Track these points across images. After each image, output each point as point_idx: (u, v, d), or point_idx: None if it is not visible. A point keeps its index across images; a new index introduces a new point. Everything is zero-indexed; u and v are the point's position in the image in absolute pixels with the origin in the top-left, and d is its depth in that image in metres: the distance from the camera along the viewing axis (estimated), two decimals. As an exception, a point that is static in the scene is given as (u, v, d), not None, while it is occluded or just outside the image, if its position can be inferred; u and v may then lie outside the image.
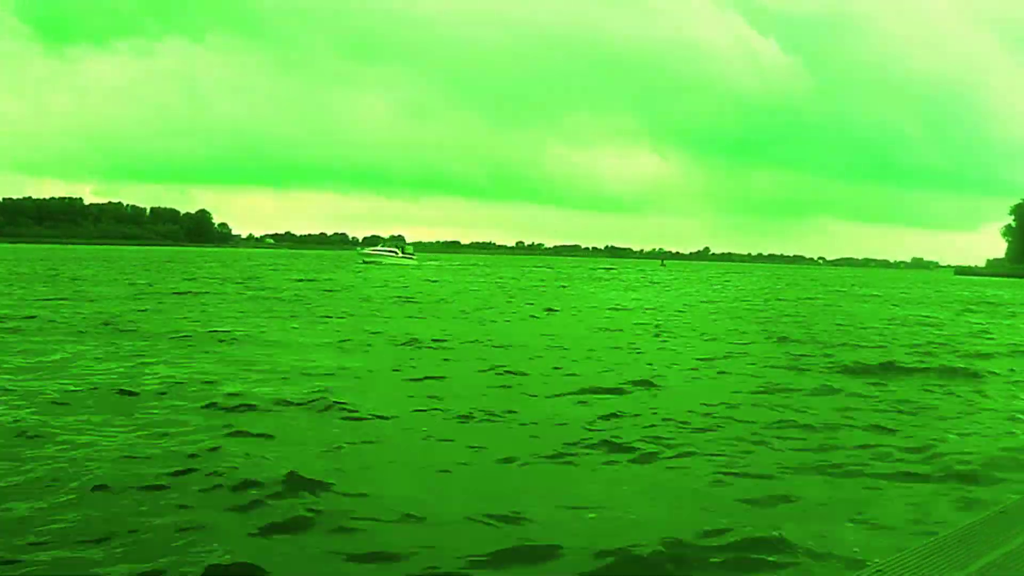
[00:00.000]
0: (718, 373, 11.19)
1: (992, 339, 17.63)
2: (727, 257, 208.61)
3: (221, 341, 12.79)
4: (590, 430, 7.25)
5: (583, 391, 9.20)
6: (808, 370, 11.66)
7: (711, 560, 4.47)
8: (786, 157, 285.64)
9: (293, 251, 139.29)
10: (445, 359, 11.82)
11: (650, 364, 11.84)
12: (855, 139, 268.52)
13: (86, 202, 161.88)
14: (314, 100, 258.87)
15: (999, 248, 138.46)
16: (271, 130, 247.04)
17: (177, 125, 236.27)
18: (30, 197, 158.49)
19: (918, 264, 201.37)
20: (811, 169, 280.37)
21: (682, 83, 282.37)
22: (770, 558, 4.47)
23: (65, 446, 6.19)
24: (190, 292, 24.85)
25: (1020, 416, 8.76)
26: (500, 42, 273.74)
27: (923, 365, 12.40)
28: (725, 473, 6.04)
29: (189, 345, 12.22)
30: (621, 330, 17.00)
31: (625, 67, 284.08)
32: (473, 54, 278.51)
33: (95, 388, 8.55)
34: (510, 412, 7.93)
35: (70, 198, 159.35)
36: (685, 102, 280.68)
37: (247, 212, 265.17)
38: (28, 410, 7.40)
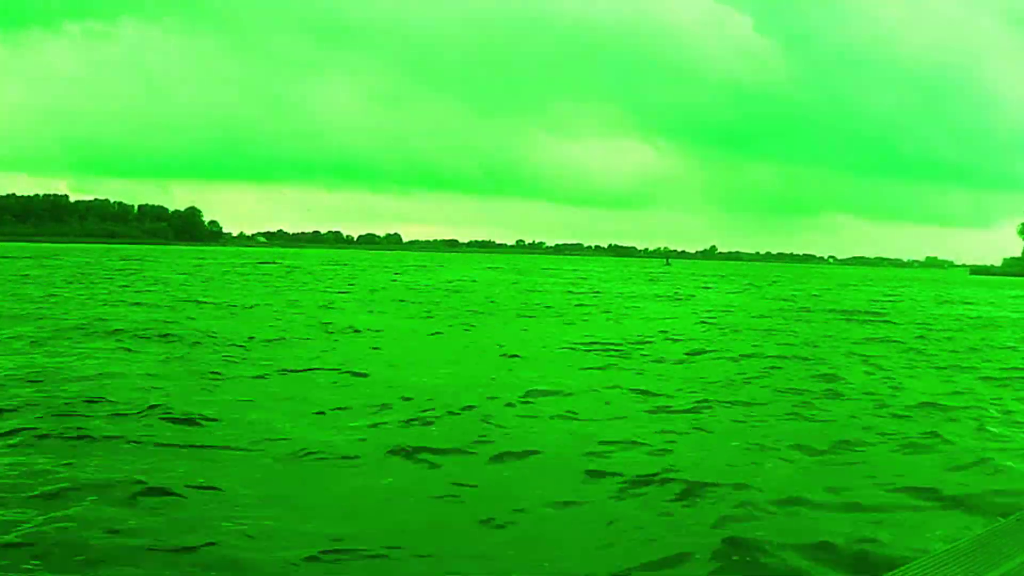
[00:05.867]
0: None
1: None
2: (735, 256, 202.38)
3: None
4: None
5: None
6: None
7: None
8: (787, 150, 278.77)
9: (285, 250, 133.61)
10: None
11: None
12: (856, 130, 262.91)
13: (71, 199, 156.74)
14: (286, 88, 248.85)
15: (1015, 246, 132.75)
16: (247, 122, 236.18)
17: (147, 116, 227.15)
18: (13, 195, 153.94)
19: (932, 263, 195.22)
20: (815, 163, 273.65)
21: (662, 68, 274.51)
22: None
23: None
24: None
25: None
26: (464, 26, 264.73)
27: None
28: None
29: None
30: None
31: (601, 51, 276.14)
32: (439, 39, 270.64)
33: None
34: None
35: (54, 195, 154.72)
36: (669, 89, 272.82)
37: (233, 209, 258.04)
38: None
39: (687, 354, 13.15)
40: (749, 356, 13.11)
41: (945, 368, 12.61)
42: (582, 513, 5.14)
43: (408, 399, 8.38)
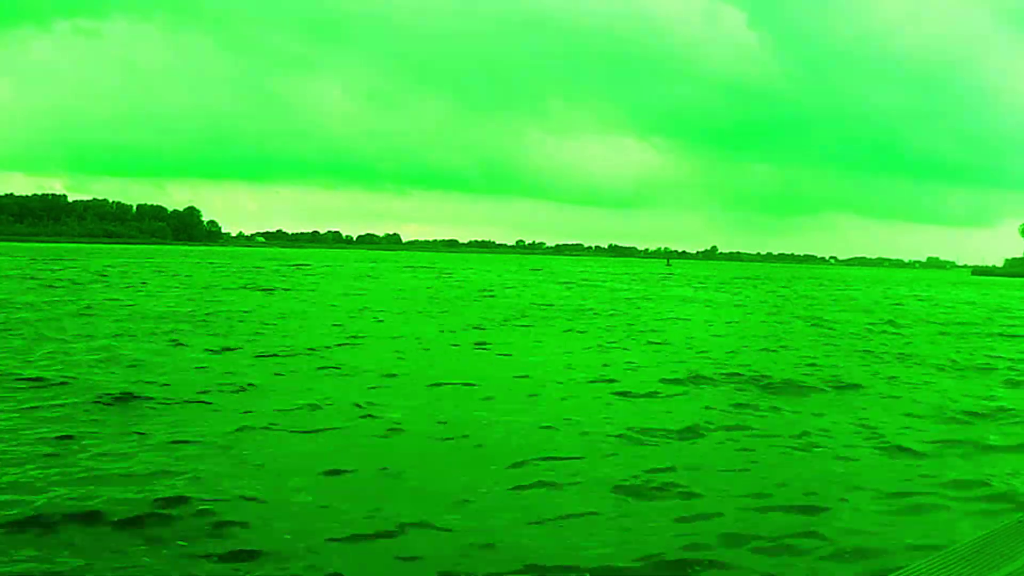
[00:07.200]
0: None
1: None
2: (736, 256, 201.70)
3: None
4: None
5: None
6: None
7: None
8: (788, 148, 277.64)
9: (286, 250, 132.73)
10: None
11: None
12: (857, 128, 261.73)
13: (69, 199, 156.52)
14: (282, 87, 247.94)
15: (1018, 246, 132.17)
16: (243, 120, 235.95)
17: (141, 114, 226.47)
18: (11, 194, 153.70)
19: (934, 263, 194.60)
20: (816, 162, 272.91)
21: (656, 66, 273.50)
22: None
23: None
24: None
25: None
26: (461, 24, 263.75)
27: None
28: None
29: None
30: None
31: (595, 49, 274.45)
32: (435, 37, 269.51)
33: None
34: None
35: (53, 195, 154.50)
36: (663, 87, 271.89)
37: (229, 208, 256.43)
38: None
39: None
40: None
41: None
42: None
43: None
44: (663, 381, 10.64)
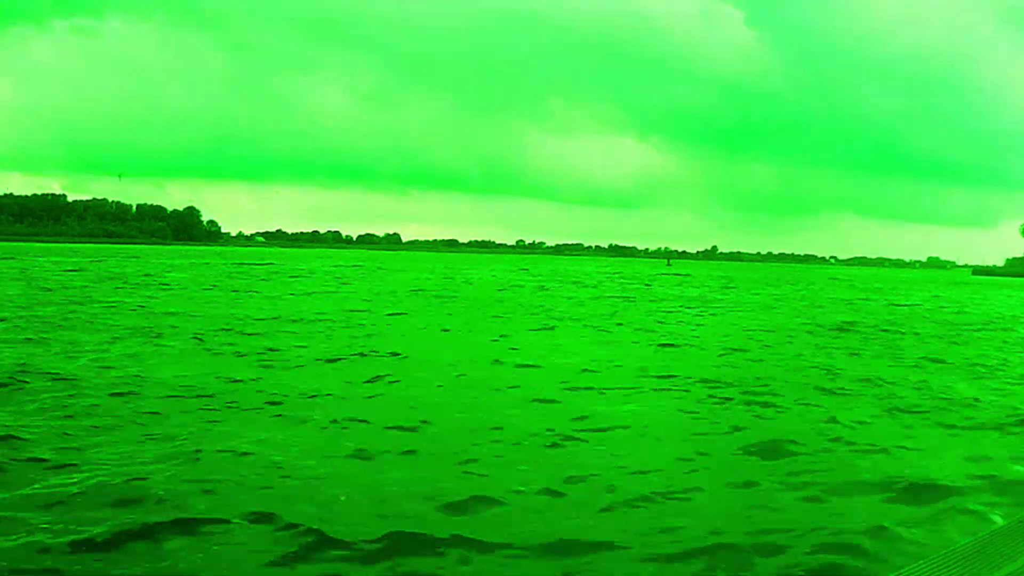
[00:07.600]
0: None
1: None
2: (736, 256, 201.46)
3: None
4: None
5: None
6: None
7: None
8: (788, 148, 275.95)
9: (286, 250, 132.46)
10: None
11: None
12: (857, 128, 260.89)
13: (69, 199, 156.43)
14: (280, 86, 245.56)
15: (1018, 246, 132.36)
16: (241, 120, 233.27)
17: (140, 114, 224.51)
18: (11, 194, 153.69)
19: (934, 263, 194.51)
20: (817, 161, 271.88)
21: (655, 65, 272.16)
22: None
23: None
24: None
25: None
26: (460, 23, 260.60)
27: None
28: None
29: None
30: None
31: (594, 48, 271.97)
32: (434, 36, 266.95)
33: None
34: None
35: (52, 195, 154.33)
36: (663, 86, 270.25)
37: (229, 208, 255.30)
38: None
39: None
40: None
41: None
42: None
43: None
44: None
